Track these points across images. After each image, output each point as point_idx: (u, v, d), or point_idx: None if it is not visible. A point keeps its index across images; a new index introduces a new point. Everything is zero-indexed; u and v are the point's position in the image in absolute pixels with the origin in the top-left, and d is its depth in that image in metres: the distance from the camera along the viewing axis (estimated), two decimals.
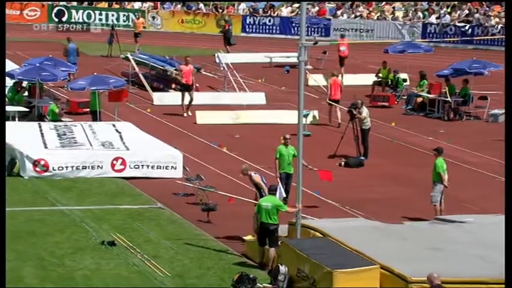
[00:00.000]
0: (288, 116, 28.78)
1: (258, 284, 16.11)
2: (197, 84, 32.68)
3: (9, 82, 30.96)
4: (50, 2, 54.39)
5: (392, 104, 34.58)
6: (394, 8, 54.97)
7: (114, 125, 27.06)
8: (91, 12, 54.40)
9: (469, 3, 52.12)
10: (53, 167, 23.48)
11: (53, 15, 54.01)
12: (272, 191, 17.84)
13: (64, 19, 53.71)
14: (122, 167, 23.84)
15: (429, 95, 33.62)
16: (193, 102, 31.82)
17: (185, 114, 31.55)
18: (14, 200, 21.31)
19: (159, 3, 55.56)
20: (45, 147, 24.39)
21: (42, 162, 23.45)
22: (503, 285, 13.78)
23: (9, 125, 27.14)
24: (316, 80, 35.76)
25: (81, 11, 54.37)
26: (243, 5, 55.53)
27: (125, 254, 17.88)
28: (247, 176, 19.61)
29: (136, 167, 23.92)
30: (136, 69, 36.35)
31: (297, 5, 52.95)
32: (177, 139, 27.36)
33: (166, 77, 35.50)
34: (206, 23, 53.97)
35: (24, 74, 30.02)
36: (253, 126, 30.34)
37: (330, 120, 30.84)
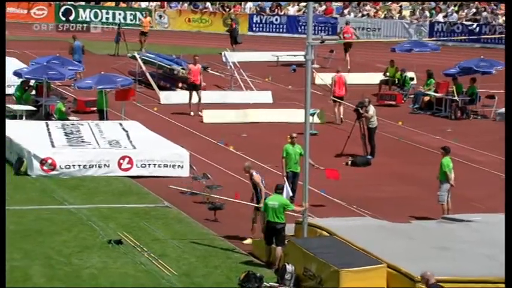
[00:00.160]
0: (294, 115, 28.78)
1: (265, 283, 16.11)
2: (204, 83, 32.67)
3: (16, 81, 31.05)
4: (56, 2, 54.47)
5: (399, 102, 34.54)
6: (401, 6, 54.91)
7: (121, 124, 27.09)
8: (98, 11, 54.46)
9: (476, 2, 52.04)
10: (60, 166, 23.51)
11: (60, 14, 54.10)
12: (279, 190, 17.82)
13: (71, 18, 53.81)
14: (129, 165, 23.86)
15: (436, 94, 33.58)
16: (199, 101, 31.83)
17: (192, 113, 31.56)
18: (21, 199, 21.37)
19: (165, 2, 55.59)
20: (53, 146, 24.43)
21: (50, 161, 23.48)
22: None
23: (16, 123, 27.31)
24: (323, 78, 35.74)
25: (88, 10, 54.45)
26: (249, 4, 55.52)
27: (131, 253, 17.89)
28: (248, 174, 19.48)
29: (143, 165, 23.93)
30: (144, 68, 36.37)
31: (304, 3, 52.92)
32: (184, 138, 27.37)
33: (173, 76, 35.52)
34: (213, 22, 53.98)
35: (31, 73, 30.08)
36: (260, 125, 30.34)
37: (335, 118, 30.84)
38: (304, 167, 17.75)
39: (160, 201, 21.58)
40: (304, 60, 17.47)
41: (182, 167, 23.93)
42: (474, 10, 51.29)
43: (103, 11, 54.55)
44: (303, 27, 50.68)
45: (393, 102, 34.40)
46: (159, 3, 55.45)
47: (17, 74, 30.32)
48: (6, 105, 29.98)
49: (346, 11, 53.55)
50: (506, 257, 13.84)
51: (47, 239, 18.60)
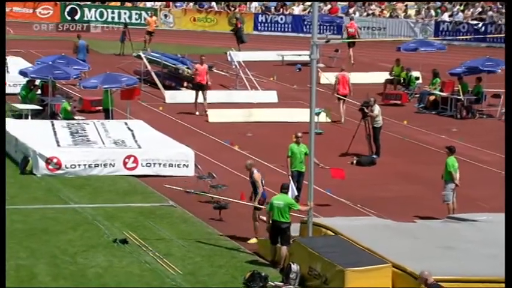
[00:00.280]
0: (299, 114, 28.77)
1: (270, 282, 16.11)
2: (209, 83, 32.67)
3: (22, 80, 31.10)
4: (62, 1, 54.53)
5: (404, 102, 34.51)
6: (406, 6, 54.88)
7: (126, 123, 27.11)
8: (103, 10, 54.50)
9: (481, 1, 52.00)
10: (66, 165, 23.53)
11: (66, 13, 54.15)
12: (284, 189, 17.83)
13: (77, 17, 53.86)
14: (134, 165, 23.88)
15: (442, 93, 33.55)
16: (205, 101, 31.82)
17: (197, 113, 31.56)
18: (27, 198, 21.41)
19: (171, 1, 55.61)
20: (58, 145, 24.46)
21: (55, 160, 23.51)
22: None
23: (22, 123, 27.37)
24: (328, 78, 35.72)
25: (93, 10, 54.49)
26: (255, 3, 55.55)
27: (137, 252, 17.91)
28: (248, 171, 19.43)
29: (148, 165, 23.95)
30: (149, 67, 36.40)
31: (309, 3, 52.94)
32: (189, 137, 27.38)
33: (179, 75, 35.54)
34: (218, 21, 54.01)
35: (37, 72, 30.10)
36: (265, 124, 30.34)
37: (341, 117, 30.81)
38: (309, 167, 17.75)
39: (165, 201, 21.59)
40: (309, 59, 17.48)
41: (187, 166, 23.94)
42: (480, 9, 51.24)
43: (108, 10, 54.60)
44: (308, 27, 50.68)
45: (398, 102, 34.37)
46: (164, 2, 55.49)
47: (22, 73, 30.36)
48: (12, 104, 30.09)
49: (351, 10, 53.53)
50: (506, 257, 13.82)
51: (52, 238, 18.63)
